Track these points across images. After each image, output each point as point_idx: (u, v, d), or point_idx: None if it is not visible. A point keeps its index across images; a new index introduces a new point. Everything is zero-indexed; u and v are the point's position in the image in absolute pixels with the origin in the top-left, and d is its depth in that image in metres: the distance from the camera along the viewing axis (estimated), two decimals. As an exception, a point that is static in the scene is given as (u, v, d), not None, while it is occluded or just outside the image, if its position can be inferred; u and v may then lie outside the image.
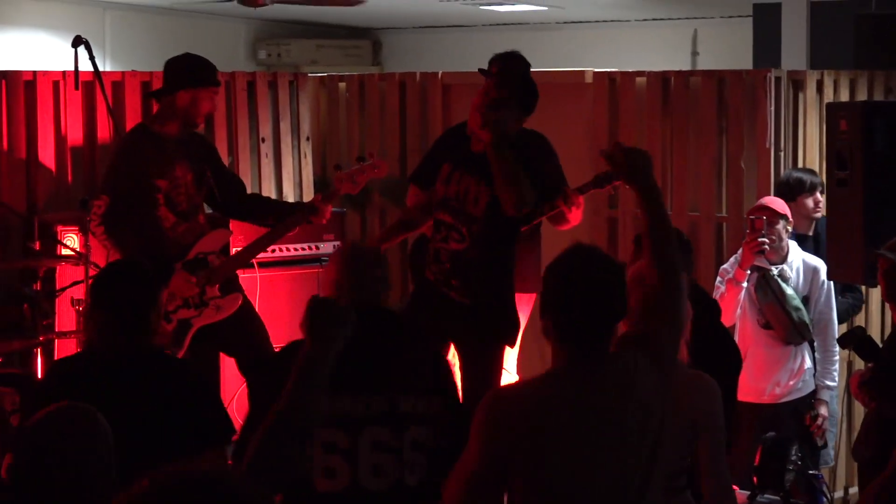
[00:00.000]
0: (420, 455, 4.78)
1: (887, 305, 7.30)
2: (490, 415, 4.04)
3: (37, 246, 8.23)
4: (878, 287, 6.53)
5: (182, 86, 7.37)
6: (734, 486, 6.19)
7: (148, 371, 4.94)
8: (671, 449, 4.16)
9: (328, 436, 4.68)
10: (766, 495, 5.85)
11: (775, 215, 7.71)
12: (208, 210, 7.71)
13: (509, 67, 7.11)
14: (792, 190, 8.21)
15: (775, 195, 8.23)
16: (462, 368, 6.87)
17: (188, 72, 7.44)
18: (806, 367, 7.73)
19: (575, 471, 3.98)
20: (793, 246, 7.87)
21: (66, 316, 8.15)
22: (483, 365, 6.84)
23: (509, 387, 4.67)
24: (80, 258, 7.78)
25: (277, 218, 7.50)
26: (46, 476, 3.80)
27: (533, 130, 7.37)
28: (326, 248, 8.84)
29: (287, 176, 10.18)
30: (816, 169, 8.72)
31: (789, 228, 7.80)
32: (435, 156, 7.27)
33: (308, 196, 9.93)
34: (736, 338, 7.62)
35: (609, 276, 4.10)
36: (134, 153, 7.50)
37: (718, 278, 7.81)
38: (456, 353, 7.01)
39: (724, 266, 7.86)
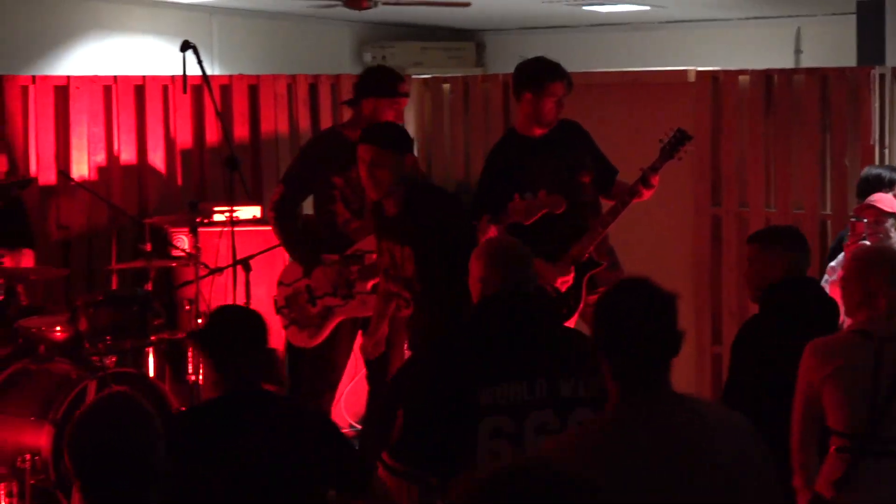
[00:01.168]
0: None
1: None
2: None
3: (148, 247, 8.31)
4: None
5: (365, 95, 7.53)
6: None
7: (272, 417, 4.64)
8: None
9: (494, 422, 4.69)
10: None
11: (882, 213, 7.66)
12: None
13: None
14: (870, 186, 8.14)
15: (857, 192, 8.18)
16: None
17: (372, 83, 7.60)
18: None
19: None
20: None
21: (177, 316, 8.25)
22: None
23: (560, 437, 4.37)
24: (191, 259, 7.87)
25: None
26: (102, 465, 3.69)
27: (570, 120, 7.51)
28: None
29: (392, 176, 10.24)
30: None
31: (895, 224, 7.75)
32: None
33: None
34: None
35: (659, 311, 3.77)
36: (317, 150, 7.76)
37: (825, 276, 7.76)
38: None
39: (832, 264, 7.81)
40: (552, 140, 7.43)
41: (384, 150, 6.61)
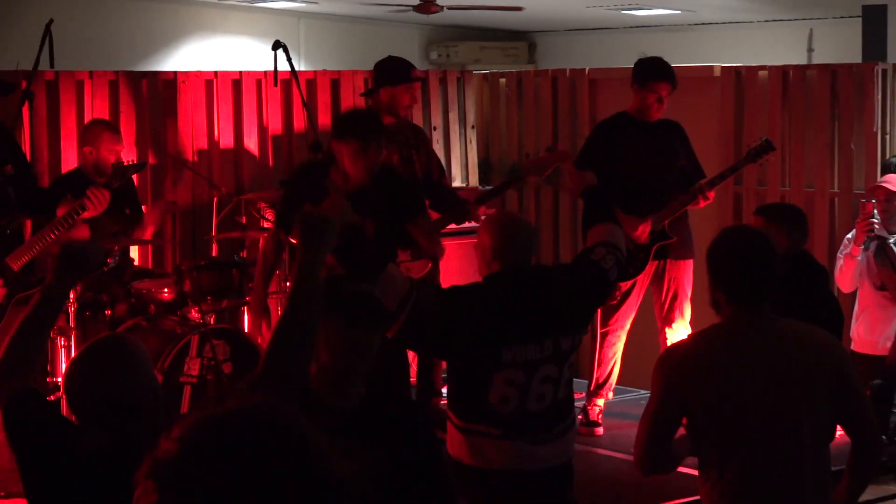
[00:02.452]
0: (569, 372, 4.97)
1: None
2: (663, 368, 4.21)
3: (243, 220, 8.33)
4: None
5: (381, 84, 7.42)
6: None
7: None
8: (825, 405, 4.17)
9: (510, 374, 4.78)
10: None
11: (891, 193, 7.58)
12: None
13: None
14: (891, 171, 8.06)
15: (882, 175, 8.11)
16: None
17: (386, 72, 7.48)
18: None
19: (732, 413, 4.09)
20: None
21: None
22: None
23: (680, 343, 4.70)
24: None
25: (445, 211, 7.49)
26: (95, 402, 3.51)
27: (671, 119, 7.44)
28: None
29: (455, 159, 10.29)
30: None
31: None
32: (293, 201, 6.62)
33: (473, 176, 9.99)
34: (857, 298, 7.62)
35: (763, 249, 4.20)
36: None
37: (841, 248, 7.70)
38: None
39: (848, 236, 7.73)
40: (655, 127, 7.42)
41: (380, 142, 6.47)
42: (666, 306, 7.45)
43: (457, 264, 8.44)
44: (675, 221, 7.37)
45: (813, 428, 4.13)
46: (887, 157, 8.53)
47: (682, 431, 4.27)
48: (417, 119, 9.76)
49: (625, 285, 7.34)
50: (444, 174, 7.88)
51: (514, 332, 4.79)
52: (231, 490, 1.92)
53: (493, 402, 4.80)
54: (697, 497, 6.12)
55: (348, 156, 6.24)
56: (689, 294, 7.47)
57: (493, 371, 4.79)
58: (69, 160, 8.55)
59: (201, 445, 1.97)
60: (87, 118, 8.62)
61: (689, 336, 4.52)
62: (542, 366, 4.83)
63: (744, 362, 4.12)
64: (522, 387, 4.81)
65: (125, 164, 7.28)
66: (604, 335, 7.41)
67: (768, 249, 4.20)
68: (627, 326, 7.47)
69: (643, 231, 7.27)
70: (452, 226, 7.84)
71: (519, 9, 10.85)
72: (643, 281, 7.43)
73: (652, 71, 7.41)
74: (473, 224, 8.27)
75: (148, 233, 7.83)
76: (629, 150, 7.32)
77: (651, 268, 7.40)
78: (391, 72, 7.47)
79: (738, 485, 4.12)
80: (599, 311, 7.33)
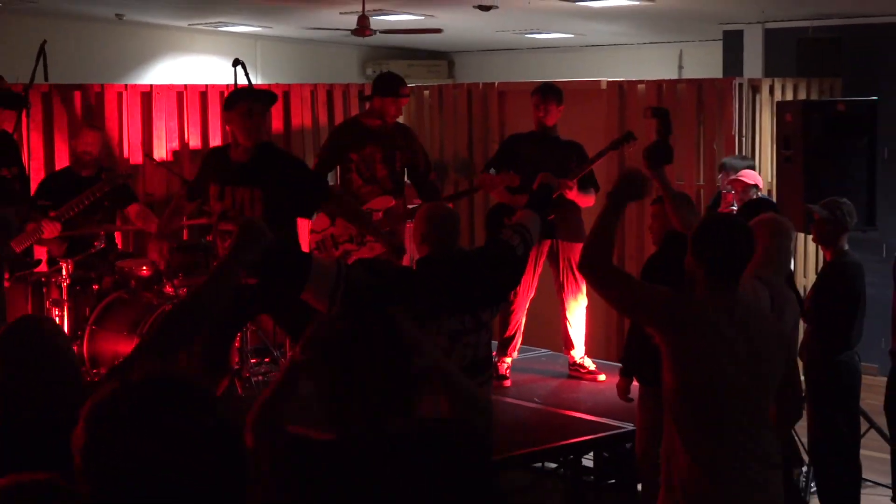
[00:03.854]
0: (487, 336, 4.82)
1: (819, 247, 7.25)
2: (666, 300, 4.10)
3: (209, 210, 8.28)
4: (811, 233, 6.47)
5: (375, 94, 7.47)
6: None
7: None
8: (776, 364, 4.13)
9: (439, 341, 4.55)
10: None
11: (747, 185, 7.68)
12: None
13: None
14: (725, 168, 8.13)
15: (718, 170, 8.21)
16: None
17: (382, 86, 7.52)
18: None
19: (713, 362, 3.99)
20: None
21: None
22: None
23: (675, 293, 4.32)
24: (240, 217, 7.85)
25: (426, 200, 7.48)
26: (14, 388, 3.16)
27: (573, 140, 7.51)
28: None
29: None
30: (768, 150, 8.69)
31: (759, 192, 7.76)
32: (201, 178, 6.59)
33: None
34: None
35: (742, 234, 4.15)
36: (339, 135, 7.64)
37: None
38: None
39: None
40: (545, 137, 7.48)
41: (267, 106, 6.45)
42: (565, 283, 7.47)
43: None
44: (559, 204, 7.34)
45: (770, 377, 4.08)
46: (744, 154, 8.62)
47: None
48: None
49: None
50: (430, 169, 7.82)
51: (437, 307, 4.61)
52: (139, 444, 1.89)
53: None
54: (589, 437, 6.24)
55: (238, 123, 6.12)
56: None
57: None
58: (62, 160, 8.49)
59: (113, 410, 1.93)
60: (77, 124, 8.57)
61: (679, 292, 4.39)
62: (464, 336, 4.68)
63: (722, 320, 4.01)
64: (447, 352, 4.57)
65: (116, 174, 7.27)
66: (509, 304, 7.43)
67: (751, 238, 4.17)
68: (528, 300, 7.51)
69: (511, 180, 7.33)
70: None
71: (438, 31, 10.87)
72: (539, 260, 7.45)
73: (391, 84, 7.52)
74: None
75: (137, 223, 7.80)
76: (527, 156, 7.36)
77: (546, 248, 7.43)
78: (385, 86, 7.51)
79: (713, 427, 4.03)
80: None
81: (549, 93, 7.49)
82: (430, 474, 2.87)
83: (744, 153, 8.66)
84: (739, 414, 4.00)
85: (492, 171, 7.49)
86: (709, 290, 4.06)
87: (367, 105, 7.68)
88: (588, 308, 7.57)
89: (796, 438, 6.08)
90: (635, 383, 5.80)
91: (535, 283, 7.51)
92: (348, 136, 7.52)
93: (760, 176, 8.00)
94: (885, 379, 6.12)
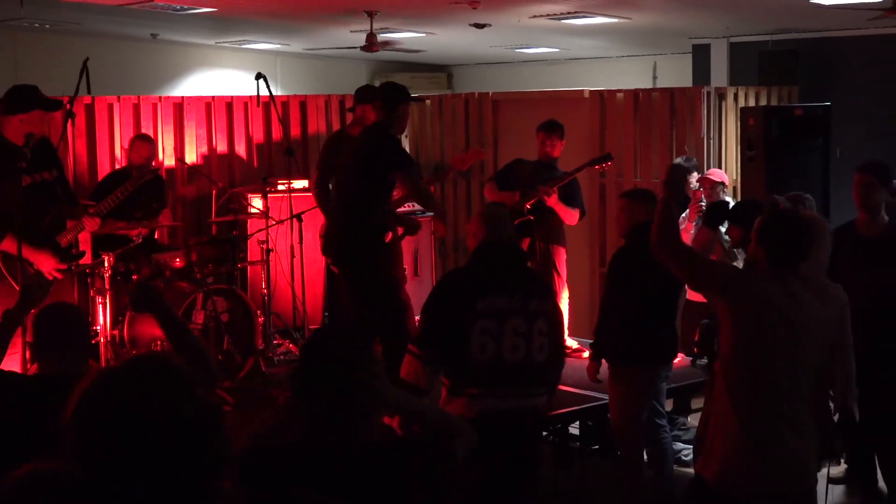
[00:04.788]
0: (543, 339, 4.62)
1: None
2: (729, 271, 4.18)
3: (235, 207, 8.29)
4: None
5: (356, 104, 7.53)
6: (681, 353, 6.11)
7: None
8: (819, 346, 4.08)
9: (484, 323, 4.50)
10: (700, 360, 5.74)
11: (714, 183, 7.67)
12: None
13: None
14: (679, 170, 8.09)
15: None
16: None
17: (358, 96, 7.57)
18: None
19: (765, 334, 3.96)
20: (729, 202, 7.80)
21: (252, 251, 8.22)
22: None
23: (737, 268, 4.49)
24: (262, 214, 7.83)
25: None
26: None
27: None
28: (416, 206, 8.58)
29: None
30: (733, 151, 8.67)
31: (725, 189, 7.74)
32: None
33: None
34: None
35: (805, 226, 4.12)
36: (328, 146, 7.73)
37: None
38: None
39: (682, 215, 7.80)
40: (547, 167, 7.48)
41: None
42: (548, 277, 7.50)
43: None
44: (539, 212, 7.34)
45: (813, 356, 4.03)
46: (712, 155, 8.60)
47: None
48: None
49: None
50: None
51: (486, 286, 4.54)
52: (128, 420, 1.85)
53: (474, 355, 4.49)
54: (575, 408, 6.22)
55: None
56: (564, 272, 7.50)
57: (471, 320, 4.48)
58: (103, 164, 8.49)
59: (104, 388, 1.90)
60: (117, 133, 8.56)
61: (741, 269, 4.35)
62: (511, 317, 4.54)
63: (778, 302, 3.97)
64: (496, 336, 4.50)
65: (144, 171, 7.26)
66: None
67: (810, 234, 4.13)
68: None
69: (512, 198, 7.33)
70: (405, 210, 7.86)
71: (420, 51, 10.90)
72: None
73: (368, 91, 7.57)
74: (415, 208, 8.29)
75: (166, 220, 7.79)
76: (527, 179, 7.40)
77: (526, 246, 7.39)
78: (363, 96, 7.54)
79: (759, 395, 3.98)
80: None
81: (555, 129, 7.47)
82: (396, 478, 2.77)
83: (712, 154, 8.65)
84: (784, 383, 3.97)
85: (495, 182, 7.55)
86: (769, 272, 4.04)
87: (352, 116, 7.67)
88: (571, 296, 7.57)
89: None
90: (604, 364, 5.77)
91: None
92: (336, 145, 7.56)
93: (726, 174, 7.98)
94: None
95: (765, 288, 4.00)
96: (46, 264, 6.11)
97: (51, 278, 6.15)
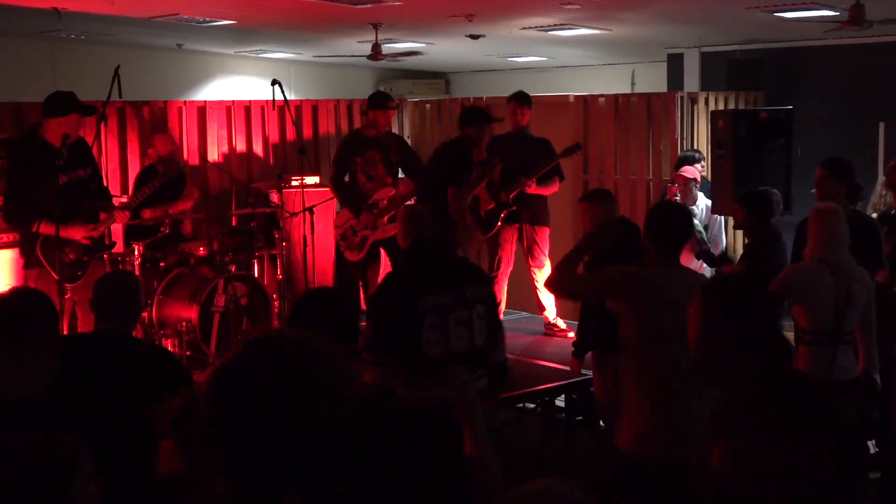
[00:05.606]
0: (482, 323, 4.48)
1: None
2: (617, 277, 4.10)
3: (252, 201, 8.28)
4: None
5: (368, 108, 7.50)
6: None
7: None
8: None
9: (430, 320, 4.35)
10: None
11: (687, 179, 7.68)
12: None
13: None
14: (683, 161, 8.11)
15: (675, 165, 8.19)
16: None
17: (374, 100, 7.56)
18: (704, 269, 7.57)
19: (664, 318, 3.95)
20: (700, 195, 7.80)
21: (273, 241, 8.22)
22: None
23: (626, 267, 4.28)
24: (278, 207, 7.82)
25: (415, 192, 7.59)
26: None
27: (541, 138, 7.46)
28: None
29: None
30: (704, 150, 8.67)
31: (697, 185, 7.75)
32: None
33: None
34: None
35: (683, 218, 4.17)
36: (346, 144, 7.68)
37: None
38: None
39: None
40: (520, 136, 7.43)
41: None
42: (530, 258, 7.48)
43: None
44: (523, 198, 7.31)
45: None
46: (679, 154, 8.61)
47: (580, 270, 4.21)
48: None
49: (504, 247, 7.40)
50: (421, 164, 7.82)
51: (428, 286, 4.38)
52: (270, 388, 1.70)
53: (427, 351, 4.32)
54: (560, 383, 6.23)
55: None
56: (547, 248, 7.49)
57: (418, 319, 4.31)
58: (133, 162, 8.48)
59: (253, 357, 1.76)
60: (145, 134, 8.55)
61: (630, 265, 4.32)
62: (454, 311, 4.39)
63: (672, 289, 3.97)
64: (442, 330, 4.36)
65: (170, 168, 7.27)
66: (492, 279, 7.43)
67: (690, 221, 4.17)
68: (508, 273, 7.50)
69: (488, 206, 7.33)
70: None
71: (414, 53, 10.89)
72: (512, 242, 7.45)
73: (382, 98, 7.61)
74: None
75: (188, 205, 7.74)
76: (506, 151, 7.35)
77: (515, 230, 7.41)
78: (377, 100, 7.57)
79: (664, 373, 4.00)
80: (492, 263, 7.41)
81: (524, 100, 7.47)
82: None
83: (679, 154, 8.63)
84: (683, 363, 3.92)
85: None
86: (657, 263, 4.07)
87: (364, 119, 7.69)
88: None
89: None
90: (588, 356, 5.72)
91: (513, 259, 7.51)
92: (352, 144, 7.57)
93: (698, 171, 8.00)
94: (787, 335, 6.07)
95: (655, 278, 4.00)
96: (78, 233, 6.19)
97: (87, 242, 6.22)
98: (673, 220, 4.09)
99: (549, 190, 7.38)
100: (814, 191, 6.26)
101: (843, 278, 4.86)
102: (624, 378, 4.15)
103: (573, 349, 5.79)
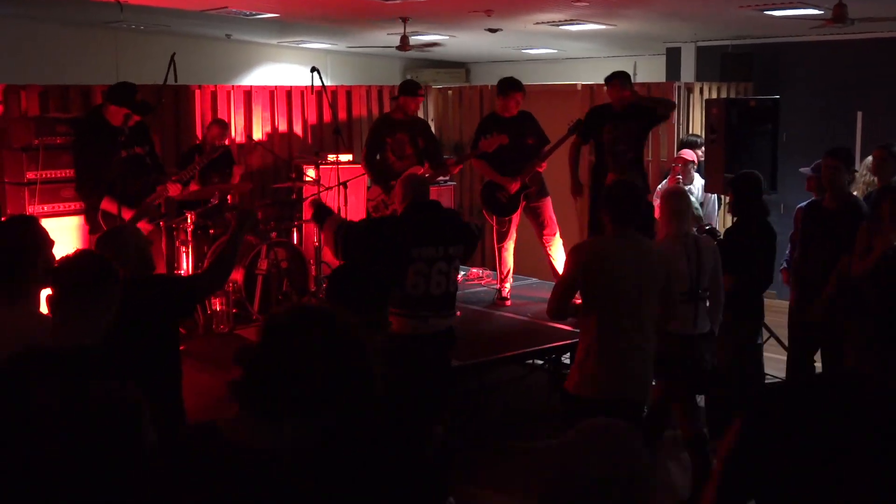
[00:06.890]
0: (455, 274, 4.68)
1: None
2: (575, 256, 4.16)
3: (293, 175, 8.24)
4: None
5: (399, 94, 7.40)
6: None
7: None
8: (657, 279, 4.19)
9: (417, 266, 4.54)
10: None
11: (686, 160, 7.61)
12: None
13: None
14: (686, 144, 8.07)
15: (678, 147, 8.12)
16: None
17: (405, 87, 7.44)
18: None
19: (609, 283, 4.07)
20: (696, 176, 7.73)
21: (308, 211, 8.19)
22: None
23: (584, 241, 4.49)
24: (315, 181, 7.79)
25: (436, 168, 7.46)
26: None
27: (525, 111, 7.30)
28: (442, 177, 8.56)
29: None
30: (700, 135, 8.57)
31: (694, 166, 7.68)
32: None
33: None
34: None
35: (636, 192, 4.19)
36: (378, 126, 7.54)
37: (654, 195, 7.64)
38: None
39: (658, 187, 7.71)
40: (513, 119, 7.22)
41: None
42: (541, 228, 7.38)
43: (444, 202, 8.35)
44: (532, 176, 7.24)
45: (650, 299, 4.13)
46: (682, 138, 8.53)
47: (577, 300, 4.23)
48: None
49: (513, 221, 7.30)
50: (438, 148, 7.72)
51: (419, 238, 4.55)
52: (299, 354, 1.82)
53: (410, 290, 4.52)
54: (566, 342, 6.20)
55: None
56: (553, 216, 7.39)
57: (407, 264, 4.51)
58: (186, 141, 8.45)
59: (281, 325, 1.87)
60: (198, 117, 8.52)
61: (590, 238, 4.38)
62: (437, 262, 4.58)
63: (619, 256, 4.08)
64: (425, 276, 4.55)
65: (216, 147, 7.24)
66: (500, 249, 7.35)
67: (639, 194, 4.21)
68: (513, 242, 7.39)
69: (514, 186, 7.18)
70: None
71: (437, 44, 10.80)
72: (517, 215, 7.36)
73: (409, 86, 7.41)
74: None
75: (236, 179, 7.71)
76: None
77: (521, 206, 7.32)
78: (408, 87, 7.44)
79: (606, 329, 4.11)
80: (496, 233, 7.30)
81: (520, 88, 7.27)
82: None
83: (681, 137, 8.57)
84: (632, 317, 4.09)
85: (483, 137, 7.27)
86: (611, 232, 4.12)
87: (394, 103, 7.59)
88: (564, 244, 7.49)
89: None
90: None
91: (515, 231, 7.38)
92: (384, 127, 7.49)
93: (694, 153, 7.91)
94: (781, 302, 6.03)
95: (608, 247, 4.09)
96: (136, 220, 6.22)
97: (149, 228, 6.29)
98: (624, 195, 4.13)
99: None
100: (803, 170, 6.19)
101: (692, 246, 4.92)
102: (581, 334, 4.25)
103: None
